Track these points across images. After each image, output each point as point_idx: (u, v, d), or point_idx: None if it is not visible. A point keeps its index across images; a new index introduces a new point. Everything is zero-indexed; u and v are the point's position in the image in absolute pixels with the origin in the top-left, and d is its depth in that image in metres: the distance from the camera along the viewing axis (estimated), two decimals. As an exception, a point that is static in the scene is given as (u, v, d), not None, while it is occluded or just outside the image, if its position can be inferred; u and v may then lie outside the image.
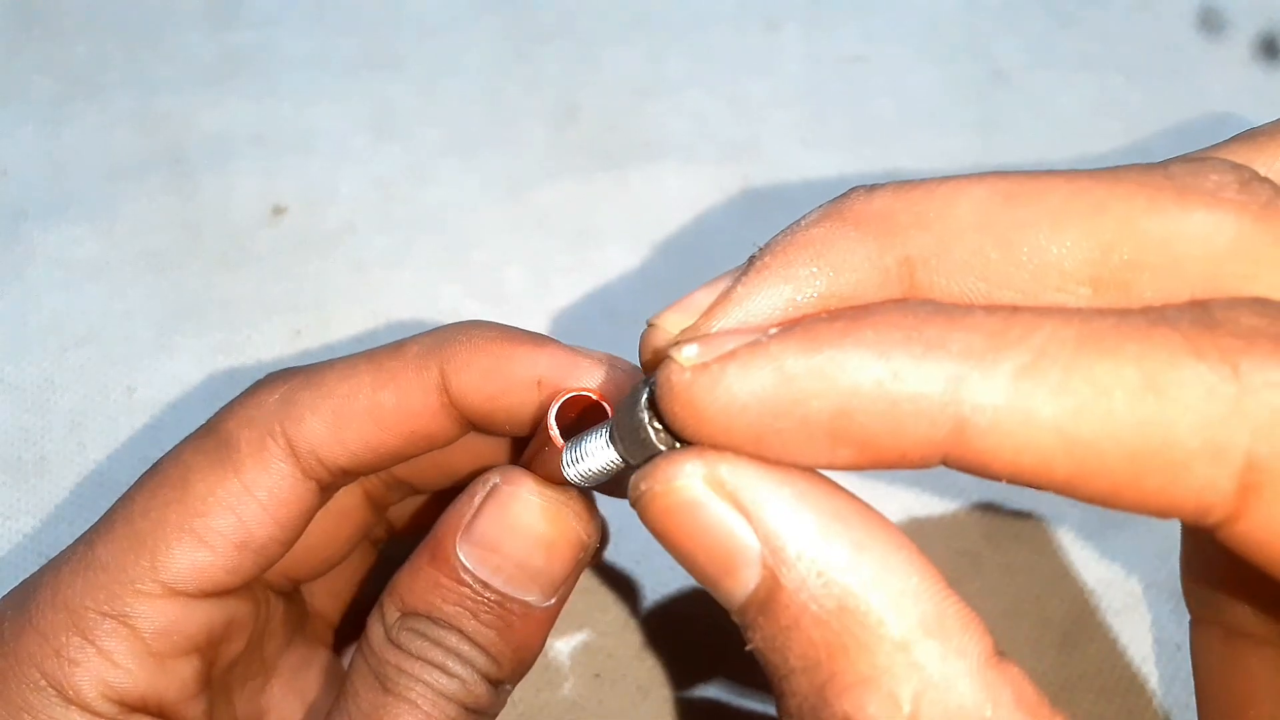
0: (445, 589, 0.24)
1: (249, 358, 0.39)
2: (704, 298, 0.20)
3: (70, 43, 0.45)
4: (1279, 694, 0.23)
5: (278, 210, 0.42)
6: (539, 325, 0.40)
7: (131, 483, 0.36)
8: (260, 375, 0.38)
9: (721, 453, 0.18)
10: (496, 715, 0.26)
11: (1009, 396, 0.16)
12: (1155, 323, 0.17)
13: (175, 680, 0.25)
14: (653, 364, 0.20)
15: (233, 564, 0.25)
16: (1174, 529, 0.36)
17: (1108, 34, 0.48)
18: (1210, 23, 0.48)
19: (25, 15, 0.46)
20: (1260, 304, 0.17)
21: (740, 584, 0.18)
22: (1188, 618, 0.35)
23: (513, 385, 0.25)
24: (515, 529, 0.24)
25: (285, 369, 0.27)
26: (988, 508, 0.36)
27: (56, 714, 0.24)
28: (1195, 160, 0.19)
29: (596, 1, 0.48)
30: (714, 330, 0.19)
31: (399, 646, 0.25)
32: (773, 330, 0.18)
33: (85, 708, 0.24)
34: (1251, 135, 0.21)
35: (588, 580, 0.35)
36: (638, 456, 0.19)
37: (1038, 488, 0.17)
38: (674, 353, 0.18)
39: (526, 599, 0.25)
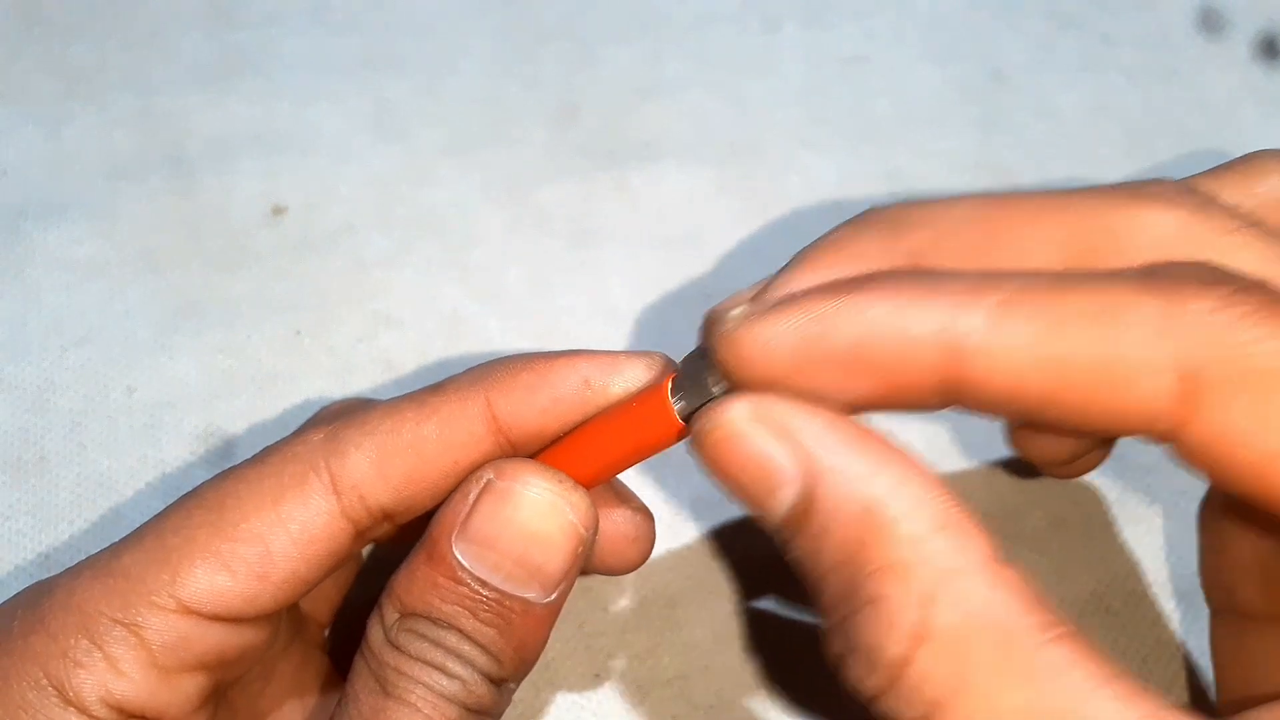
0: (442, 588, 0.24)
1: (249, 358, 0.39)
2: (752, 291, 0.24)
3: (70, 43, 0.45)
4: None
5: (278, 210, 0.42)
6: (539, 325, 0.40)
7: (131, 483, 0.37)
8: (260, 375, 0.38)
9: (764, 394, 0.22)
10: (500, 715, 0.26)
11: (991, 321, 0.20)
12: (1112, 274, 0.21)
13: (179, 695, 0.25)
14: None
15: (252, 593, 0.25)
16: (1174, 530, 0.36)
17: (1108, 34, 0.48)
18: (1210, 23, 0.48)
19: (25, 15, 0.46)
20: (1196, 263, 0.21)
21: (780, 501, 0.21)
22: (1189, 617, 0.35)
23: (561, 393, 0.25)
24: (511, 524, 0.24)
25: (328, 407, 0.28)
26: (988, 510, 0.36)
27: (54, 715, 0.24)
28: (1148, 180, 0.24)
29: (596, 1, 0.48)
30: None
31: (398, 648, 0.25)
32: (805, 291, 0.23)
33: (83, 711, 0.24)
34: (1214, 171, 0.26)
35: (587, 579, 0.35)
36: (695, 404, 0.23)
37: (1020, 414, 0.21)
38: (725, 314, 0.22)
39: (526, 595, 0.25)
